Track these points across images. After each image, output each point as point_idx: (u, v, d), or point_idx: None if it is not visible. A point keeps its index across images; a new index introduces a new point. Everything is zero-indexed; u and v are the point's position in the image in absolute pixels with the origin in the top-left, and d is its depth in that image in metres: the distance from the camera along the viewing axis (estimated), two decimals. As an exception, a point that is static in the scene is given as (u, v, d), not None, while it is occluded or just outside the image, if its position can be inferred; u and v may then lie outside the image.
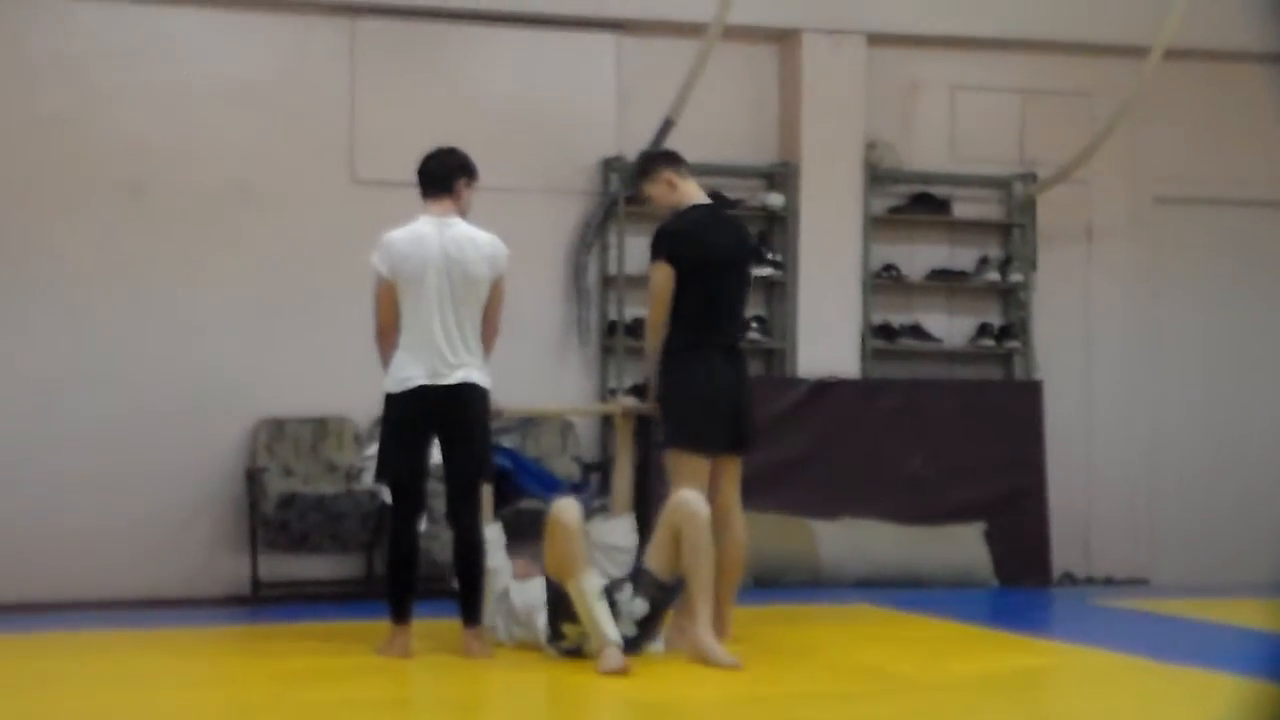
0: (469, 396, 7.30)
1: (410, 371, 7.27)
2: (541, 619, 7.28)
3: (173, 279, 9.78)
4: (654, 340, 7.68)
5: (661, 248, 7.63)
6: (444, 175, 7.44)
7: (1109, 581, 11.29)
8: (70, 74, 9.79)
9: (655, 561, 7.23)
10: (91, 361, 9.64)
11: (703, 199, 7.79)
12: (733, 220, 8.07)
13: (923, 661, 7.34)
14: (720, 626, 7.34)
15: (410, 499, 7.39)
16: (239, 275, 9.88)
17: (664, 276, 7.58)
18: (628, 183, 10.48)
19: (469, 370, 7.30)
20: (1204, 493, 11.67)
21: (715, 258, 7.64)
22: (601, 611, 6.93)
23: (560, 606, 7.09)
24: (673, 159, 7.85)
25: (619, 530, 7.72)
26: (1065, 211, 11.38)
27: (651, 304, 7.69)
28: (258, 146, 10.04)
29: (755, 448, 7.86)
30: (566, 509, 7.10)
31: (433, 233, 7.33)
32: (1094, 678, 7.28)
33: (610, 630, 6.91)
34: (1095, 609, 9.75)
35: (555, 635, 7.18)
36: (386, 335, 7.39)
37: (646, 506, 10.08)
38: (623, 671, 6.76)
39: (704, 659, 7.00)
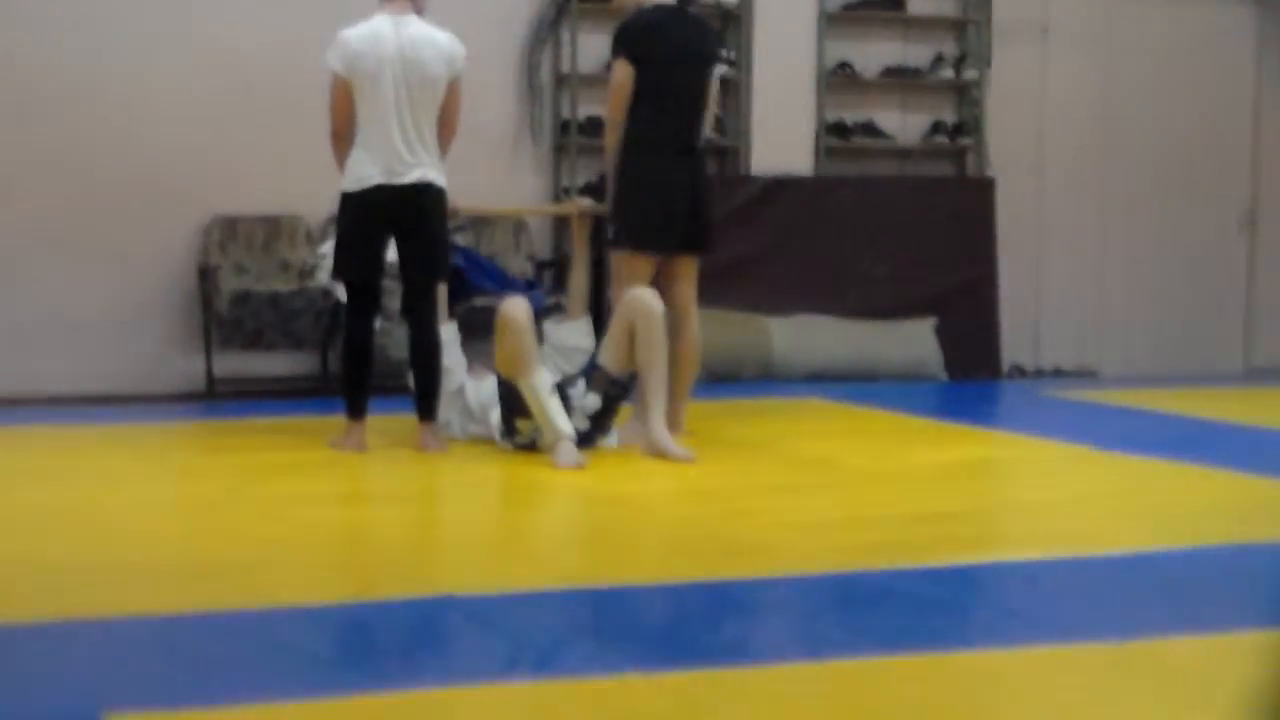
0: (426, 196, 7.28)
1: (367, 170, 7.24)
2: (495, 415, 7.35)
3: (120, 72, 9.64)
4: (612, 139, 7.65)
5: (622, 45, 7.56)
6: None
7: (1058, 374, 11.43)
8: None
9: (608, 358, 7.29)
10: (40, 157, 9.52)
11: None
12: (697, 19, 7.95)
13: (873, 453, 7.46)
14: (674, 421, 7.42)
15: (366, 296, 7.41)
16: (192, 70, 9.74)
17: (623, 74, 7.52)
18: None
19: (425, 170, 7.27)
20: (1151, 286, 11.78)
21: (677, 56, 7.57)
22: (554, 406, 7.01)
23: (512, 402, 7.16)
24: None
25: (576, 331, 7.77)
26: (1021, 7, 11.31)
27: (610, 101, 7.63)
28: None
29: (713, 249, 7.88)
30: (515, 307, 7.13)
31: (389, 31, 7.26)
32: (1042, 467, 7.42)
33: (563, 424, 6.98)
34: (1044, 400, 9.89)
35: (509, 431, 7.25)
36: (341, 134, 7.36)
37: (601, 307, 10.14)
38: (578, 466, 6.84)
39: (658, 452, 7.09)
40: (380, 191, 7.22)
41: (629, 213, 7.56)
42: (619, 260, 7.61)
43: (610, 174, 7.70)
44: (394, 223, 7.30)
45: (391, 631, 4.64)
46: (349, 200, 7.31)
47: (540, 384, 7.03)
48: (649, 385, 7.17)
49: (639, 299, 7.24)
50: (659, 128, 7.55)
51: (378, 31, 7.26)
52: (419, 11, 7.38)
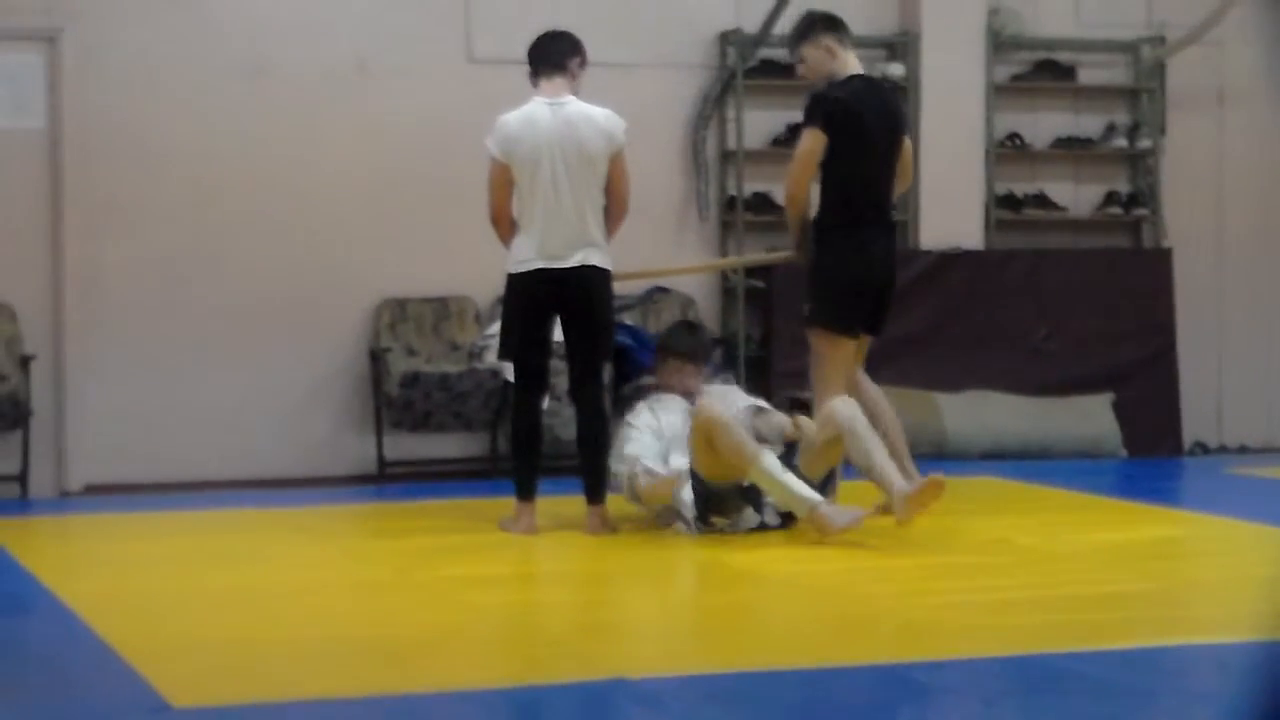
0: (587, 278, 7.27)
1: (528, 253, 7.26)
2: (685, 493, 7.17)
3: (293, 159, 9.80)
4: (795, 208, 7.49)
5: (817, 114, 7.40)
6: (557, 55, 7.39)
7: (1242, 450, 11.12)
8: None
9: (806, 463, 7.16)
10: (215, 244, 9.69)
11: (859, 69, 7.60)
12: (890, 92, 7.85)
13: (1050, 532, 7.28)
14: (910, 472, 7.34)
15: (533, 377, 7.40)
16: (359, 155, 9.87)
17: (814, 143, 7.36)
18: (745, 55, 10.36)
19: (587, 252, 7.26)
20: (1339, 360, 11.45)
21: (873, 129, 7.44)
22: (792, 480, 6.88)
23: (711, 500, 7.07)
24: (835, 25, 7.60)
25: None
26: (1196, 75, 11.10)
27: (794, 169, 7.44)
28: (375, 25, 9.99)
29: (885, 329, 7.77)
30: (708, 407, 7.04)
31: (545, 113, 7.28)
32: (1228, 546, 7.19)
33: (809, 493, 6.85)
34: (1228, 477, 9.62)
35: (704, 524, 7.14)
36: (500, 218, 7.39)
37: (769, 379, 10.06)
38: (858, 521, 6.81)
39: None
40: (541, 275, 7.23)
41: (833, 293, 7.40)
42: (822, 341, 7.47)
43: (798, 234, 7.54)
44: (557, 305, 7.30)
45: (560, 714, 4.58)
46: (513, 282, 7.34)
47: (772, 465, 6.90)
48: (886, 469, 7.04)
49: (841, 417, 7.08)
50: (858, 203, 7.41)
51: (534, 115, 7.29)
52: (574, 91, 7.38)
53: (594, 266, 7.27)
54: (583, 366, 7.40)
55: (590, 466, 7.33)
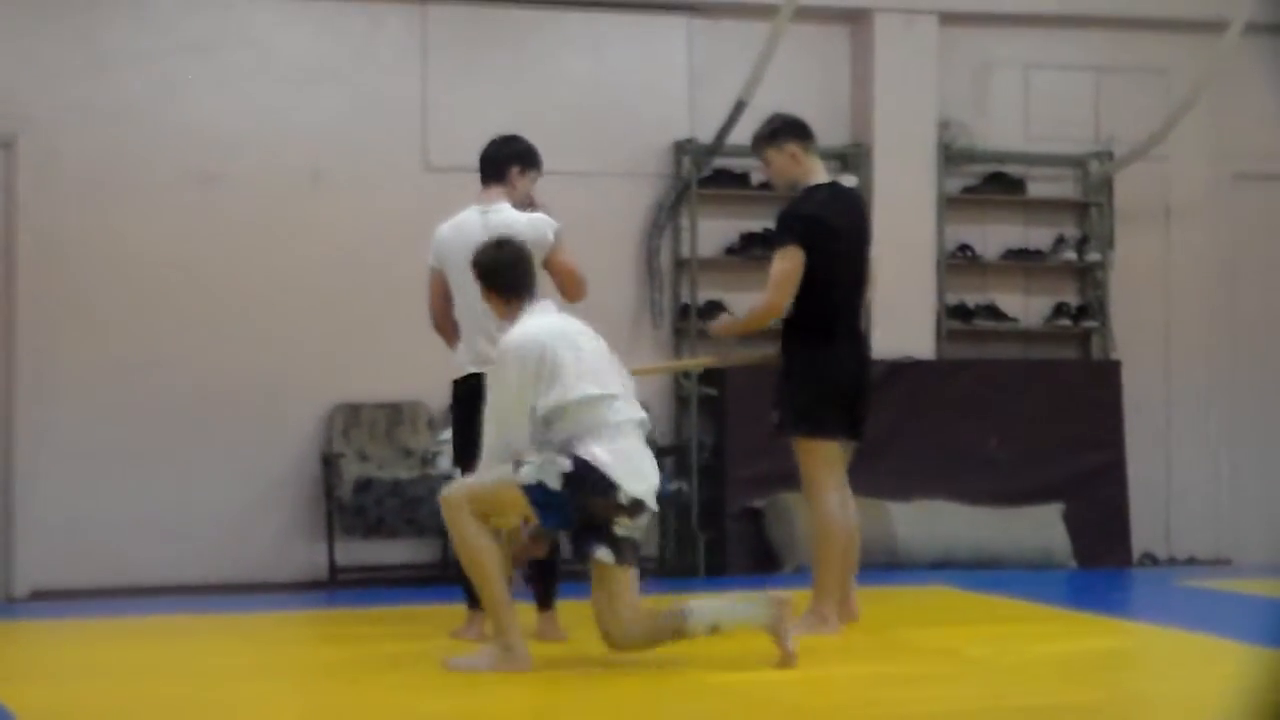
0: None
1: (462, 359, 7.34)
2: None
3: (247, 266, 9.83)
4: (765, 322, 7.53)
5: (794, 232, 7.28)
6: (496, 162, 7.45)
7: (1191, 562, 11.18)
8: (142, 64, 9.85)
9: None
10: (168, 349, 9.70)
11: (824, 178, 7.49)
12: (857, 197, 7.75)
13: (1000, 643, 7.28)
14: (852, 609, 7.39)
15: None
16: (313, 263, 9.92)
17: (795, 263, 7.22)
18: (700, 164, 10.46)
19: None
20: (1286, 472, 11.54)
21: (845, 239, 7.40)
22: (732, 607, 6.63)
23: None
24: (801, 131, 7.45)
25: None
26: (1143, 190, 11.26)
27: (776, 289, 7.27)
28: (331, 134, 10.07)
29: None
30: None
31: (475, 219, 7.34)
32: (1178, 659, 7.20)
33: (750, 609, 6.61)
34: (1177, 589, 9.64)
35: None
36: (439, 324, 7.47)
37: (723, 486, 10.07)
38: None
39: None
40: (473, 380, 7.26)
41: (810, 398, 7.36)
42: (808, 449, 7.47)
43: (771, 359, 7.56)
44: None
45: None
46: (454, 388, 7.39)
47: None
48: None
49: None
50: (831, 312, 7.35)
51: (463, 221, 7.37)
52: (517, 202, 7.39)
53: None
54: None
55: (540, 573, 7.32)
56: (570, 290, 7.39)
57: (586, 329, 6.81)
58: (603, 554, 6.41)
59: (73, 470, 9.55)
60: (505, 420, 6.54)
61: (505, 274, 6.73)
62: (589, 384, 6.52)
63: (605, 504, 6.38)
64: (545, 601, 7.32)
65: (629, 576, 6.48)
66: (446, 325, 7.44)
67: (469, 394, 7.27)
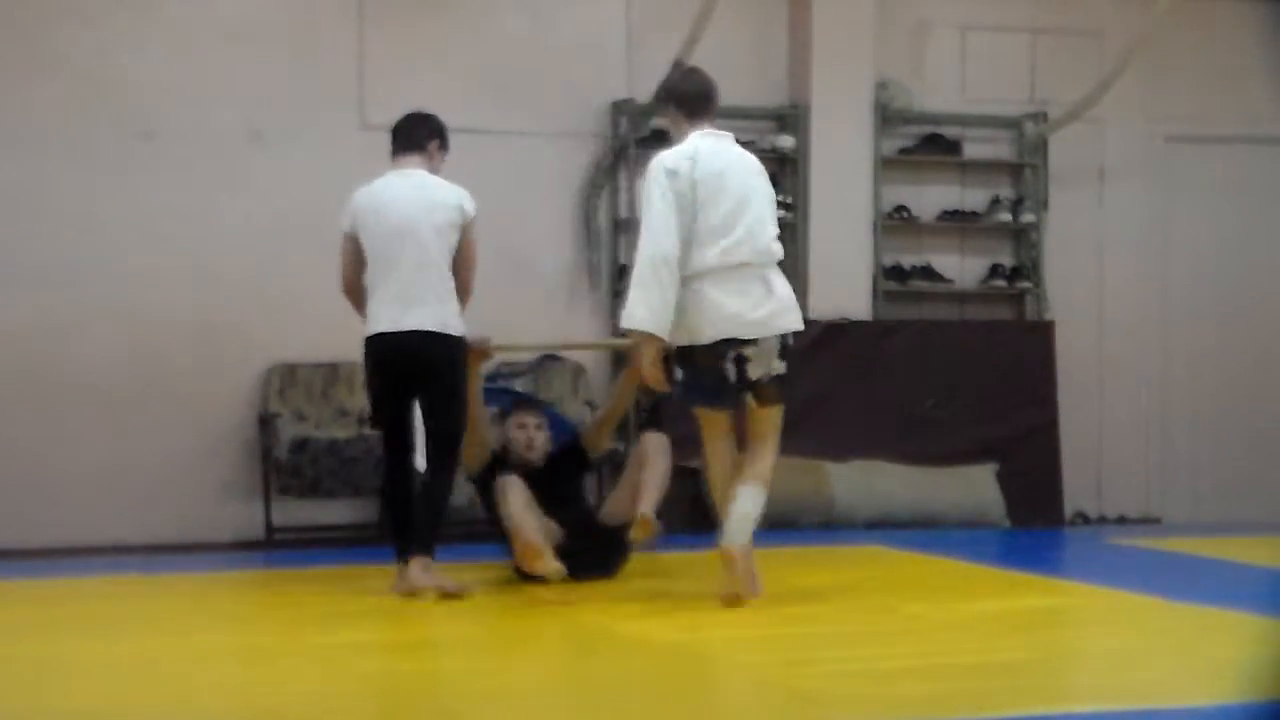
0: (426, 344, 7.32)
1: (374, 320, 7.37)
2: None
3: (183, 222, 9.77)
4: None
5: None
6: (417, 136, 7.53)
7: (1121, 521, 11.30)
8: (81, 19, 9.75)
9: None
10: (104, 305, 9.63)
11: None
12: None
13: (935, 601, 7.35)
14: None
15: (395, 441, 7.48)
16: (250, 220, 9.86)
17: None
18: (637, 125, 10.45)
19: (423, 317, 7.29)
20: (1215, 431, 11.67)
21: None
22: None
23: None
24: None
25: None
26: (1077, 151, 11.34)
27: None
28: (268, 91, 10.01)
29: None
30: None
31: (396, 182, 7.41)
32: (1108, 616, 7.29)
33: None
34: (1108, 547, 9.76)
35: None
36: (349, 288, 7.54)
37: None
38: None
39: None
40: (383, 339, 7.33)
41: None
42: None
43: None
44: (404, 369, 7.34)
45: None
46: (365, 347, 7.42)
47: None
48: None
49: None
50: None
51: (380, 188, 7.42)
52: (433, 171, 7.47)
53: (430, 332, 7.31)
54: (430, 432, 7.42)
55: (417, 520, 7.32)
56: (464, 272, 7.43)
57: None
58: None
59: (2, 428, 9.48)
60: None
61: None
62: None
63: None
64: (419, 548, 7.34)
65: None
66: (356, 291, 7.49)
67: (381, 354, 7.33)
